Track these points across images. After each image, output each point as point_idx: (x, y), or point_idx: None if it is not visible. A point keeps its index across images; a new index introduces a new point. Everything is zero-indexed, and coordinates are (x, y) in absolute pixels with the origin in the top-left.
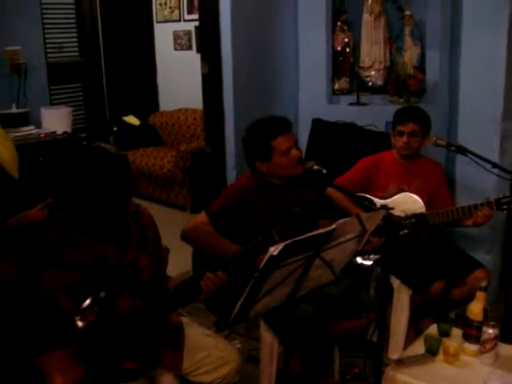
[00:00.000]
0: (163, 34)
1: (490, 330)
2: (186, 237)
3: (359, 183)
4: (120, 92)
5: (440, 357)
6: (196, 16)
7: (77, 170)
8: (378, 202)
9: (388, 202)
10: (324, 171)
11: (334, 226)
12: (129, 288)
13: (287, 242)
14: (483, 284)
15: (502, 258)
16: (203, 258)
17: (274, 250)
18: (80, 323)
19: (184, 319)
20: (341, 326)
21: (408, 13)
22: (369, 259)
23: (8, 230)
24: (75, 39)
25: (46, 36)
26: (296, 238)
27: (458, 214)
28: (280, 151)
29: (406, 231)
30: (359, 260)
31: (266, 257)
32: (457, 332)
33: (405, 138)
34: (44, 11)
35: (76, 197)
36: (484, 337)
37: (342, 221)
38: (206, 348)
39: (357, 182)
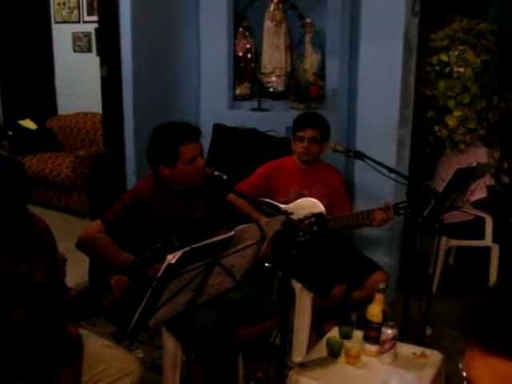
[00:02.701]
0: (62, 35)
1: (389, 331)
2: (80, 246)
3: (260, 188)
4: (15, 94)
5: (342, 358)
6: (96, 17)
7: None
8: (282, 206)
9: (289, 206)
10: (224, 177)
11: (232, 233)
12: (23, 302)
13: (185, 249)
14: (381, 286)
15: (400, 259)
16: (100, 268)
17: (172, 258)
18: None
19: (83, 331)
20: (244, 331)
21: (308, 21)
22: None
23: None
24: None
25: None
26: (194, 245)
27: (357, 219)
28: (185, 159)
29: (305, 236)
30: None
31: (164, 265)
32: (358, 334)
33: (305, 144)
34: None
35: None
36: (383, 337)
37: (241, 227)
38: (105, 360)
39: (258, 187)
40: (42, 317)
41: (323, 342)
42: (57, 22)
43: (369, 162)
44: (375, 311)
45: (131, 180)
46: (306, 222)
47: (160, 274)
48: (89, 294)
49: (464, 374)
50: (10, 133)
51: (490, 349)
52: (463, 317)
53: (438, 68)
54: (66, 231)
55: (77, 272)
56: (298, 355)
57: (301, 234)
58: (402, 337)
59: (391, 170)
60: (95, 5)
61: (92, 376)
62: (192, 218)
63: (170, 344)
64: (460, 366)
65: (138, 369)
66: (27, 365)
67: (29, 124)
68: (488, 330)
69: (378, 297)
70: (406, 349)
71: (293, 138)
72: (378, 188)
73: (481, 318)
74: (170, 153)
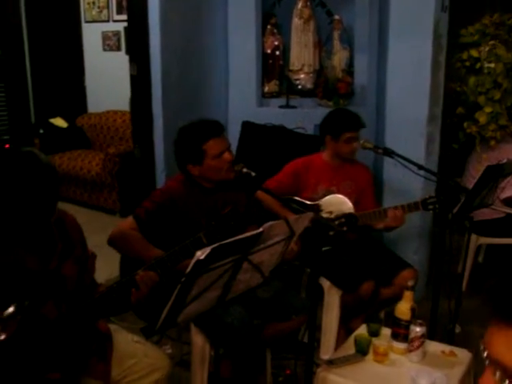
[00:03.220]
0: (91, 35)
1: (418, 329)
2: (112, 242)
3: (289, 185)
4: (46, 93)
5: (370, 356)
6: (125, 16)
7: (2, 175)
8: (310, 203)
9: (318, 203)
10: (253, 174)
11: (261, 229)
12: (52, 296)
13: (214, 245)
14: (410, 284)
15: (429, 257)
16: (131, 263)
17: (201, 255)
18: (2, 334)
19: (112, 326)
20: (272, 328)
21: (337, 17)
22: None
23: None
24: None
25: None
26: (223, 242)
27: (370, 218)
28: (212, 155)
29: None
30: None
31: (193, 261)
32: (386, 331)
33: (357, 145)
34: None
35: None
36: (412, 335)
37: (269, 224)
38: (134, 355)
39: (286, 184)
40: (73, 311)
41: (351, 339)
42: (87, 22)
43: (398, 158)
44: (404, 309)
45: (160, 177)
46: (337, 222)
47: (189, 269)
48: (117, 290)
49: (485, 353)
50: (41, 131)
51: (510, 322)
52: (487, 296)
53: (468, 64)
54: (97, 228)
55: (107, 268)
56: (326, 352)
57: (331, 233)
58: (430, 335)
59: (420, 167)
60: (124, 4)
61: (121, 371)
62: (219, 215)
63: (198, 340)
64: (481, 347)
65: (167, 364)
66: (59, 358)
67: (59, 122)
68: (507, 305)
69: (407, 294)
70: (434, 347)
71: (332, 137)
72: (406, 185)
73: (500, 294)
74: (196, 152)
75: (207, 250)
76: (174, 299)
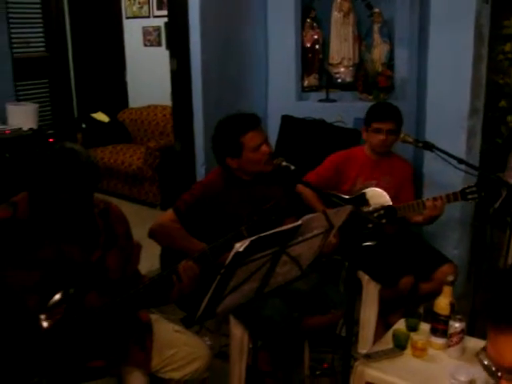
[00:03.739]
0: (132, 30)
1: (457, 324)
2: (153, 234)
3: (329, 178)
4: (88, 88)
5: (408, 351)
6: (165, 12)
7: (43, 171)
8: (348, 197)
9: (364, 192)
10: (292, 167)
11: (299, 222)
12: (96, 286)
13: (253, 238)
14: (450, 279)
15: (470, 252)
16: (171, 256)
17: (240, 247)
18: (45, 323)
19: (153, 316)
20: (310, 321)
21: (377, 10)
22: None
23: None
24: (41, 34)
25: (12, 31)
26: (262, 234)
27: (424, 207)
28: (250, 147)
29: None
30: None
31: (232, 253)
32: (425, 326)
33: (382, 136)
34: (9, 5)
35: (41, 195)
36: (451, 331)
37: (308, 216)
38: (175, 345)
39: (327, 177)
40: (116, 302)
41: (389, 334)
42: (128, 18)
43: (438, 152)
44: (443, 304)
45: (200, 171)
46: (375, 215)
47: (228, 261)
48: (160, 281)
49: (493, 367)
50: (83, 125)
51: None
52: (487, 307)
53: (511, 56)
54: (137, 221)
55: (148, 260)
56: (364, 347)
57: (369, 225)
58: (470, 331)
59: (461, 161)
60: None
61: (162, 360)
62: (261, 210)
63: (237, 332)
64: (484, 361)
65: (207, 354)
66: (102, 347)
67: (101, 117)
68: (500, 311)
69: (447, 289)
70: (474, 343)
71: (366, 128)
72: (447, 179)
73: (503, 302)
74: (234, 145)
75: (246, 242)
76: (214, 290)
